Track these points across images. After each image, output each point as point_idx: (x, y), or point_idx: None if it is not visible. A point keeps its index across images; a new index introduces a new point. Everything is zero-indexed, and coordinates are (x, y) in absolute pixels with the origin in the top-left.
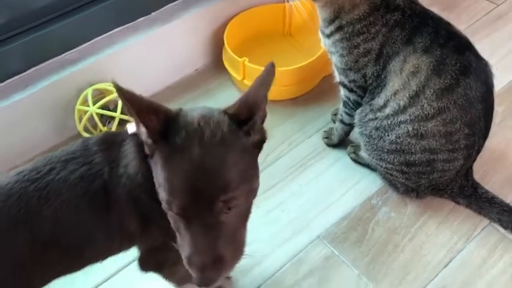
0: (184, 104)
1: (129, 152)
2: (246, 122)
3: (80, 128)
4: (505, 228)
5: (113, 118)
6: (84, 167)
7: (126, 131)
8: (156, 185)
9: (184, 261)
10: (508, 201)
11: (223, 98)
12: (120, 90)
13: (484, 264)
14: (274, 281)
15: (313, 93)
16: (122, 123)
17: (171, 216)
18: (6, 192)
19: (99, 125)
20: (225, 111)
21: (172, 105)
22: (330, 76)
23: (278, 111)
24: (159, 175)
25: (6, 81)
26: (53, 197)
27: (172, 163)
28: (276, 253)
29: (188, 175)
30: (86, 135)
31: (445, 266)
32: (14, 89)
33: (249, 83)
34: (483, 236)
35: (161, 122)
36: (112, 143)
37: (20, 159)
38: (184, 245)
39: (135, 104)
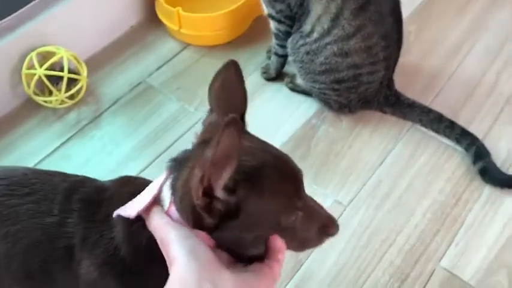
0: (126, 60)
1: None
2: None
3: (29, 92)
4: (425, 127)
5: (61, 78)
6: (55, 218)
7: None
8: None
9: (314, 234)
10: (425, 105)
11: (162, 51)
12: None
13: (411, 159)
14: None
15: (246, 35)
16: (70, 82)
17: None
18: None
19: (49, 85)
20: None
21: (112, 65)
22: (260, 18)
23: (217, 55)
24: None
25: None
26: (11, 222)
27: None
28: None
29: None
30: (36, 98)
31: (380, 165)
32: None
33: (185, 31)
34: (408, 136)
35: None
36: (94, 212)
37: None
38: (310, 222)
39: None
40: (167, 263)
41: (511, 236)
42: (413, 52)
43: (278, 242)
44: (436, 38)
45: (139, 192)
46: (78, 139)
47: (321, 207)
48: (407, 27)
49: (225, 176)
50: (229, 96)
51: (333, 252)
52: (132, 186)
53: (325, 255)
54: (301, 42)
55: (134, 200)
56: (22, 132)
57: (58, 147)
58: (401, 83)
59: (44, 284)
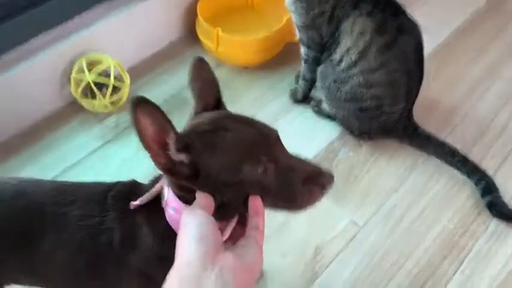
0: (163, 73)
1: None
2: None
3: (77, 95)
4: (440, 159)
5: (105, 85)
6: (96, 219)
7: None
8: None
9: (300, 188)
10: (441, 138)
11: None
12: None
13: (425, 188)
14: None
15: (278, 58)
16: (113, 89)
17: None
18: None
19: (95, 90)
20: None
21: (150, 76)
22: (291, 44)
23: (248, 75)
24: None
25: (6, 53)
26: (63, 228)
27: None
28: None
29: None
30: (82, 101)
31: (395, 191)
32: (14, 61)
33: (222, 51)
34: (423, 166)
35: None
36: (125, 207)
37: (20, 124)
38: (287, 174)
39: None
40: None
41: None
42: (433, 89)
43: (254, 204)
44: (453, 77)
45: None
46: (116, 142)
47: (307, 162)
48: (428, 65)
49: (171, 142)
50: (204, 86)
51: (349, 267)
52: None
53: (341, 269)
54: (330, 70)
55: (149, 192)
56: (65, 131)
57: (97, 148)
58: (420, 115)
59: (93, 279)
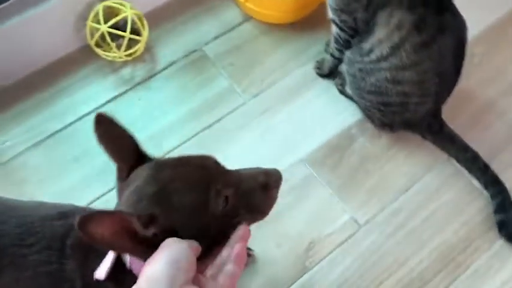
0: (186, 21)
1: None
2: None
3: (92, 43)
4: (460, 163)
5: (122, 36)
6: (56, 265)
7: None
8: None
9: (261, 196)
10: (467, 139)
11: (224, 18)
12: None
13: (436, 193)
14: None
15: (309, 20)
16: (130, 40)
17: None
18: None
19: (110, 42)
20: None
21: (171, 24)
22: (325, 5)
23: (275, 35)
24: None
25: None
26: (22, 269)
27: None
28: None
29: None
30: (97, 50)
31: (404, 192)
32: (29, 4)
33: (251, 6)
34: (440, 168)
35: None
36: (85, 259)
37: (33, 67)
38: (248, 189)
39: None
40: None
41: None
42: (473, 77)
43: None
44: (500, 67)
45: None
46: (128, 97)
47: (251, 170)
48: (473, 49)
49: (135, 225)
50: (118, 146)
51: (339, 267)
52: None
53: (332, 267)
54: (358, 58)
55: (104, 260)
56: (78, 77)
57: (109, 100)
58: (450, 106)
59: None
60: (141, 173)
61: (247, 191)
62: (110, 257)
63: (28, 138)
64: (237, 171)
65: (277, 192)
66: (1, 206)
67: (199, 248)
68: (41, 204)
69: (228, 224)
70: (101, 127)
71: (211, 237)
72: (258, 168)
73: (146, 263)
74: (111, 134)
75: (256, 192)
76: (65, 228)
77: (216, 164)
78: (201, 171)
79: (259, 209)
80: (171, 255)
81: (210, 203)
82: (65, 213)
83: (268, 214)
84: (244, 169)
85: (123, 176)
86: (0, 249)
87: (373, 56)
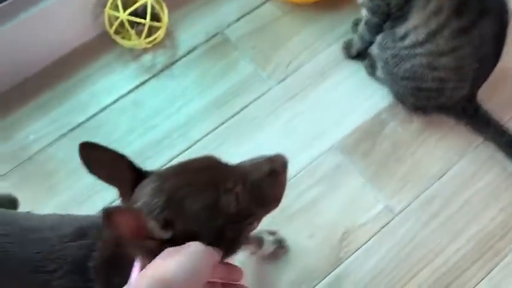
0: (207, 3)
1: None
2: None
3: (110, 31)
4: (496, 146)
5: (142, 23)
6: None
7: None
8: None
9: (270, 185)
10: (504, 121)
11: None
12: None
13: (472, 179)
14: (290, 185)
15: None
16: (151, 29)
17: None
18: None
19: (129, 30)
20: None
21: (191, 7)
22: None
23: (298, 15)
24: None
25: None
26: None
27: None
28: (293, 160)
29: None
30: (116, 38)
31: (438, 179)
32: None
33: None
34: (475, 153)
35: None
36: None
37: (52, 56)
38: (256, 181)
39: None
40: None
41: None
42: (509, 56)
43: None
44: None
45: None
46: (151, 86)
47: (255, 160)
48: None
49: (153, 228)
50: (111, 170)
51: (374, 257)
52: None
53: (366, 258)
54: (390, 43)
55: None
56: (99, 66)
57: (131, 90)
58: (487, 86)
59: None
60: (145, 189)
61: (256, 183)
62: (137, 268)
63: (52, 131)
64: (240, 165)
65: (285, 176)
66: (19, 228)
67: (219, 256)
68: (58, 220)
69: (242, 227)
70: (88, 156)
71: (227, 242)
72: (260, 156)
73: (159, 257)
74: (101, 161)
75: (264, 182)
76: (85, 250)
77: (218, 162)
78: (206, 173)
79: (271, 198)
80: (190, 259)
81: (222, 203)
82: (82, 230)
83: (280, 201)
84: (247, 160)
85: (126, 198)
86: (24, 276)
87: (407, 42)
